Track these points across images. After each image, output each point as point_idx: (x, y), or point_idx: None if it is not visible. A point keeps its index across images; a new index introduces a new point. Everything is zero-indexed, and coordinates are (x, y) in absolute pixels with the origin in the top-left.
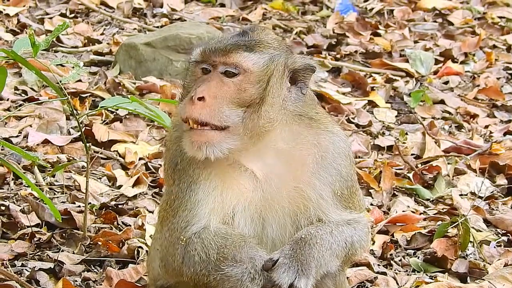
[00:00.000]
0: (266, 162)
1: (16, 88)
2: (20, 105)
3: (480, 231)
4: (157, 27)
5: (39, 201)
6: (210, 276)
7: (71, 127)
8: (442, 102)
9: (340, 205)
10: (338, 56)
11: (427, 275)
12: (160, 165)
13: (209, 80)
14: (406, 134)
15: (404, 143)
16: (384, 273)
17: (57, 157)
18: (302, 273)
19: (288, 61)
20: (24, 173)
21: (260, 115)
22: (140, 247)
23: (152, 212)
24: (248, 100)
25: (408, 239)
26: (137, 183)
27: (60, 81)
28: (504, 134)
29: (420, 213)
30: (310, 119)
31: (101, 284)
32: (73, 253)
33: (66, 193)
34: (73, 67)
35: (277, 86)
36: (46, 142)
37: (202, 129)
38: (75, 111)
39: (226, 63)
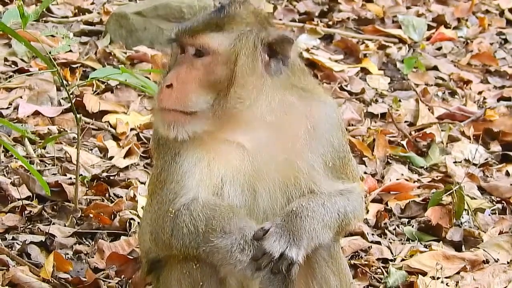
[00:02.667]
0: (254, 135)
1: (6, 59)
2: (10, 77)
3: (475, 198)
4: None
5: (30, 173)
6: (199, 248)
7: (62, 98)
8: (435, 68)
9: (332, 176)
10: (330, 23)
11: (421, 243)
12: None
13: (180, 64)
14: (399, 101)
15: (397, 110)
16: (379, 242)
17: (48, 128)
18: (294, 243)
19: (261, 35)
20: (15, 145)
21: (229, 97)
22: (132, 219)
23: (144, 183)
24: (217, 82)
25: (402, 207)
26: (128, 154)
27: (50, 52)
28: (498, 100)
29: (414, 181)
30: (302, 89)
31: (93, 257)
32: (65, 225)
33: (57, 165)
34: (63, 38)
35: (248, 64)
36: (36, 113)
37: (170, 110)
38: (65, 82)
39: (194, 45)
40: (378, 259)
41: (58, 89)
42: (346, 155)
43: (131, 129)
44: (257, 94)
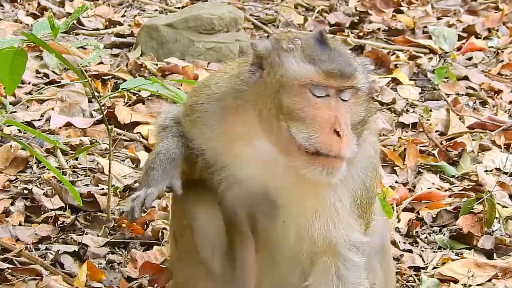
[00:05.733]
0: None
1: (37, 71)
2: (42, 88)
3: (506, 207)
4: (178, 8)
5: (62, 184)
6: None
7: (94, 110)
8: (465, 78)
9: (356, 213)
10: (361, 34)
11: (453, 252)
12: None
13: (337, 108)
14: (430, 111)
15: (428, 120)
16: (410, 251)
17: (80, 139)
18: None
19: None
20: (47, 156)
21: (362, 137)
22: (164, 228)
23: None
24: (359, 123)
25: (434, 216)
26: None
27: (81, 64)
28: None
29: (445, 190)
30: None
31: (126, 266)
32: (97, 235)
33: (89, 175)
34: (94, 49)
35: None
36: (68, 125)
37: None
38: (96, 93)
39: (345, 87)
40: (410, 267)
41: (90, 101)
42: (374, 196)
43: None
44: None
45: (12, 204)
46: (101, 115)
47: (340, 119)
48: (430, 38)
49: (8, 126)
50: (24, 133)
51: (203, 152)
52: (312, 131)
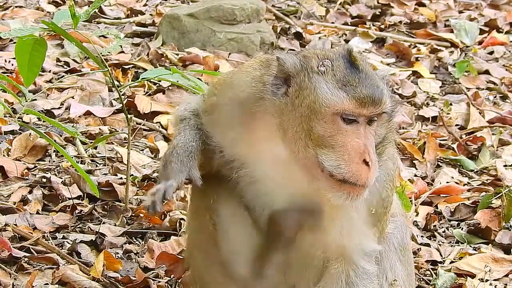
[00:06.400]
0: None
1: (58, 60)
2: (62, 77)
3: None
4: None
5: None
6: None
7: (113, 99)
8: (486, 72)
9: (370, 222)
10: (383, 26)
11: (470, 246)
12: None
13: (365, 135)
14: (451, 104)
15: (448, 113)
16: (428, 245)
17: (99, 128)
18: None
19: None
20: (66, 145)
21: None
22: (182, 219)
23: None
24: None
25: (452, 210)
26: None
27: (101, 53)
28: None
29: (464, 184)
30: None
31: (143, 256)
32: (115, 225)
33: (108, 165)
34: (115, 39)
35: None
36: (88, 113)
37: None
38: (116, 83)
39: (376, 113)
40: (427, 261)
41: (110, 90)
42: (389, 205)
43: None
44: None
45: (30, 192)
46: (121, 104)
47: (368, 147)
48: (451, 31)
49: (27, 114)
50: (43, 121)
51: (221, 149)
52: (342, 160)
